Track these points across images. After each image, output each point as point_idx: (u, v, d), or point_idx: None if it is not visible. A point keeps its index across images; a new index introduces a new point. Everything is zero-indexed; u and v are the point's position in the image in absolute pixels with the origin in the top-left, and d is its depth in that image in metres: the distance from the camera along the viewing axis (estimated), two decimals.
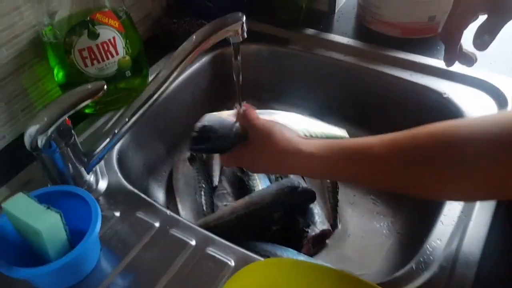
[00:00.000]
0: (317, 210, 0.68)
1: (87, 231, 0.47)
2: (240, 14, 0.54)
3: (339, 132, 0.69)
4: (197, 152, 0.75)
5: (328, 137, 0.65)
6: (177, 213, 0.71)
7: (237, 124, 0.59)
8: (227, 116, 0.61)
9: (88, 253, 0.49)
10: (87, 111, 0.70)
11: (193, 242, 0.52)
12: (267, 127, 0.55)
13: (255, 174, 0.75)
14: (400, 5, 0.78)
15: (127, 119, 0.57)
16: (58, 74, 0.66)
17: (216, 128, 0.59)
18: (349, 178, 0.55)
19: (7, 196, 0.58)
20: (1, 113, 0.64)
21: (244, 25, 0.54)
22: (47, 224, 0.45)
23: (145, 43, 0.74)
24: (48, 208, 0.46)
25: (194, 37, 0.55)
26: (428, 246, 0.51)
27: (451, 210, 0.54)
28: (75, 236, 0.48)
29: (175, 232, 0.53)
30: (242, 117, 0.58)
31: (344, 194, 0.74)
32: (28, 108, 0.67)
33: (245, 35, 0.55)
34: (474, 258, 0.48)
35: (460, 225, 0.52)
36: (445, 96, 0.69)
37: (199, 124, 0.60)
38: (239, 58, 0.58)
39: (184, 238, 0.53)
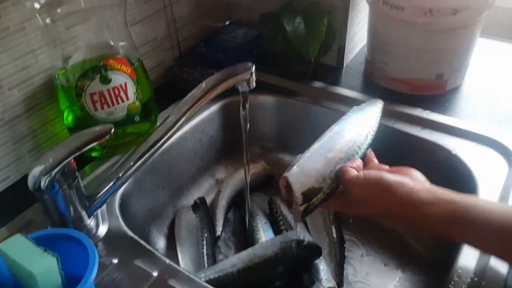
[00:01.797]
0: (323, 266, 0.65)
1: (83, 278, 0.45)
2: (249, 64, 0.55)
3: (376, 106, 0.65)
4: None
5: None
6: (177, 262, 0.68)
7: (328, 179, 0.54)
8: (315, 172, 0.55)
9: None
10: (93, 154, 0.70)
11: None
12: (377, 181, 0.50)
13: (259, 225, 0.73)
14: (407, 62, 0.79)
15: (132, 163, 0.56)
16: (68, 117, 0.66)
17: (318, 188, 0.53)
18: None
19: (6, 237, 0.56)
20: (8, 153, 0.64)
21: (253, 74, 0.55)
22: (43, 267, 0.43)
23: (157, 90, 0.75)
24: (45, 251, 0.45)
25: (204, 84, 0.55)
26: None
27: (464, 273, 0.52)
28: (70, 281, 0.46)
29: (173, 283, 0.51)
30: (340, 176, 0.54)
31: (351, 251, 0.71)
32: (35, 149, 0.67)
33: (254, 84, 0.56)
34: None
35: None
36: (454, 153, 0.68)
37: (302, 189, 0.53)
38: (247, 106, 0.58)
39: None
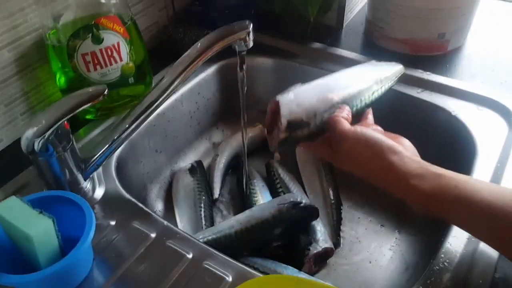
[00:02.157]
0: (320, 228, 0.66)
1: (80, 239, 0.45)
2: (247, 22, 0.53)
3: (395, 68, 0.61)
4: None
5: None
6: (175, 225, 0.69)
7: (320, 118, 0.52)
8: (309, 101, 0.52)
9: (80, 262, 0.47)
10: (88, 117, 0.68)
11: (189, 255, 0.50)
12: (367, 138, 0.49)
13: (256, 188, 0.73)
14: (409, 21, 0.77)
15: (127, 126, 0.55)
16: (60, 79, 0.65)
17: (305, 122, 0.51)
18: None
19: (1, 200, 0.56)
20: (0, 116, 0.63)
21: (251, 33, 0.53)
22: (39, 229, 0.43)
23: (151, 51, 0.73)
24: (41, 213, 0.44)
25: (199, 44, 0.54)
26: (435, 268, 0.49)
27: (460, 232, 0.52)
28: (68, 243, 0.46)
29: (171, 243, 0.51)
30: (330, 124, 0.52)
31: (348, 212, 0.72)
32: (28, 112, 0.66)
33: (251, 43, 0.54)
34: (485, 283, 0.46)
35: (469, 248, 0.50)
36: (453, 114, 0.67)
37: (290, 117, 0.51)
38: (244, 67, 0.57)
39: (181, 251, 0.51)
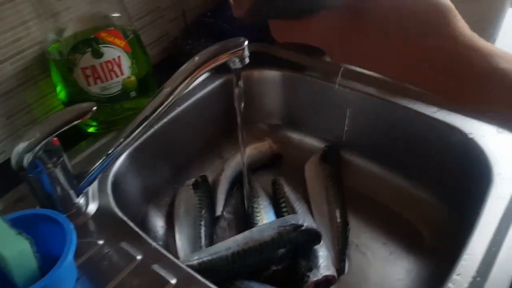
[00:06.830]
0: (323, 252, 0.62)
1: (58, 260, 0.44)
2: (242, 39, 0.51)
3: None
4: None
5: None
6: (174, 242, 0.67)
7: None
8: None
9: (59, 283, 0.46)
10: (89, 130, 0.68)
11: (173, 281, 0.48)
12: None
13: (260, 206, 0.71)
14: None
15: (122, 140, 0.54)
16: (61, 92, 0.65)
17: None
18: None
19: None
20: (1, 128, 0.63)
21: (246, 50, 0.51)
22: (14, 250, 0.42)
23: (160, 63, 0.72)
24: (19, 233, 0.44)
25: (197, 58, 0.52)
26: None
27: (467, 266, 0.48)
28: (50, 263, 0.45)
29: (157, 268, 0.50)
30: None
31: (355, 236, 0.68)
32: (31, 124, 0.66)
33: (247, 61, 0.52)
34: None
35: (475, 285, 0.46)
36: (470, 137, 0.62)
37: None
38: (240, 84, 0.55)
39: (165, 276, 0.49)
